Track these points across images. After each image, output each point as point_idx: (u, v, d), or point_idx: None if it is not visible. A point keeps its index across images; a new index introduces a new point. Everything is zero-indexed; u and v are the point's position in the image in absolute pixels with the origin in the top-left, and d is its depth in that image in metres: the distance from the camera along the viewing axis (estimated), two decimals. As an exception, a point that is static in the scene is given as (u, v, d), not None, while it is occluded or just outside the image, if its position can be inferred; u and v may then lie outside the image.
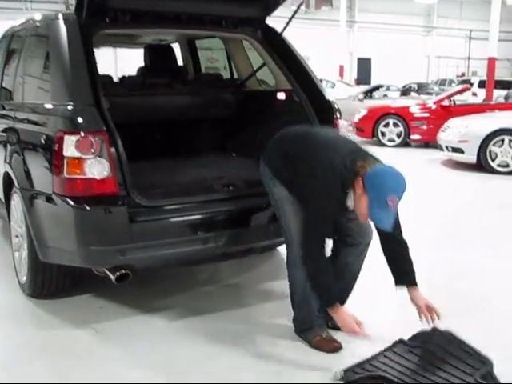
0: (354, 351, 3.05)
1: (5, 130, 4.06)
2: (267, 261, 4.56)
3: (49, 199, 3.20)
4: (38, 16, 3.99)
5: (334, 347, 3.10)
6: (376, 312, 3.57)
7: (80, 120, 3.05)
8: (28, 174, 3.50)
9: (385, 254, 3.07)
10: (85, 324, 3.45)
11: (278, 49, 4.09)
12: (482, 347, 2.85)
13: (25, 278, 3.76)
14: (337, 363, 2.89)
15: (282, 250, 4.52)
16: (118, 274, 3.09)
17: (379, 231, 2.97)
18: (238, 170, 3.89)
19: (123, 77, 4.35)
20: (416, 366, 2.84)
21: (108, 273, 3.15)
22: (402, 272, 3.05)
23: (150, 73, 4.69)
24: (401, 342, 3.02)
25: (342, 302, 3.14)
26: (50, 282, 3.68)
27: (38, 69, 3.65)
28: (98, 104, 3.13)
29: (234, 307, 3.69)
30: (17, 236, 3.90)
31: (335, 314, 2.91)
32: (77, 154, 3.00)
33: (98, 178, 3.02)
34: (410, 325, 3.06)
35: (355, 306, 3.24)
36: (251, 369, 2.95)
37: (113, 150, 3.07)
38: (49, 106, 3.35)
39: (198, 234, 3.25)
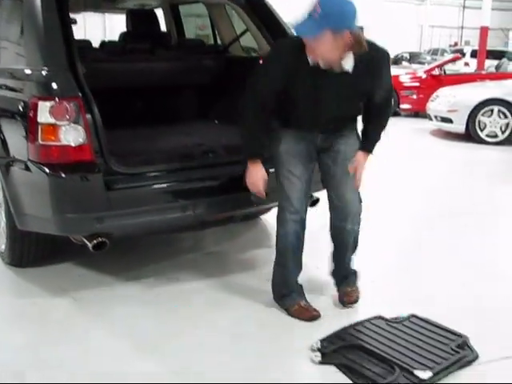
0: (332, 321, 3.06)
1: None
2: (251, 229, 4.55)
3: (25, 167, 3.14)
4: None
5: (312, 316, 3.09)
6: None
7: (54, 85, 2.97)
8: (4, 141, 3.43)
9: (362, 120, 3.12)
10: (63, 292, 3.43)
11: (261, 14, 4.01)
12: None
13: (3, 247, 3.73)
14: (316, 332, 2.89)
15: (267, 217, 4.56)
16: (94, 241, 3.06)
17: (369, 103, 3.00)
18: (219, 137, 3.84)
19: (103, 42, 4.25)
20: (394, 336, 2.86)
21: (85, 241, 3.12)
22: (364, 137, 3.11)
23: (131, 38, 4.60)
24: (380, 317, 3.04)
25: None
26: (28, 251, 3.65)
27: (14, 33, 3.55)
28: (73, 69, 3.05)
29: (215, 275, 3.67)
30: (-5, 204, 3.86)
31: (250, 165, 3.02)
32: (51, 121, 2.93)
33: (73, 144, 2.96)
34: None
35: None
36: (226, 334, 2.97)
37: (89, 116, 3.00)
38: (23, 71, 3.26)
39: (177, 201, 3.22)
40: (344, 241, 3.19)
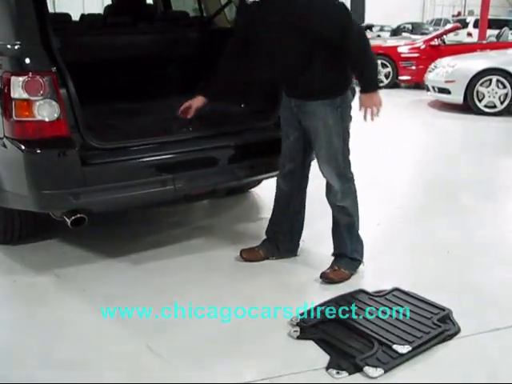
0: (314, 295, 3.03)
1: None
2: (241, 202, 4.52)
3: (1, 143, 3.09)
4: None
5: (251, 256, 3.40)
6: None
7: (26, 60, 2.90)
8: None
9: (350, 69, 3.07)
10: (47, 269, 3.39)
11: None
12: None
13: None
14: (296, 305, 2.86)
15: (258, 191, 4.52)
16: (72, 218, 3.02)
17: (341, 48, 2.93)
18: (200, 110, 3.78)
19: (82, 15, 4.16)
20: (375, 310, 2.82)
21: (64, 217, 3.08)
22: (358, 80, 3.06)
23: (116, 11, 4.51)
24: (362, 291, 3.01)
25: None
26: (12, 228, 3.61)
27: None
28: (46, 43, 2.98)
29: (201, 250, 3.64)
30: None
31: None
32: (25, 96, 2.87)
33: (47, 120, 2.89)
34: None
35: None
36: (211, 305, 2.93)
37: (63, 91, 2.94)
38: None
39: (156, 175, 3.17)
40: (335, 216, 3.26)
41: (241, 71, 3.30)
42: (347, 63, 3.01)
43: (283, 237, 3.43)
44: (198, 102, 3.31)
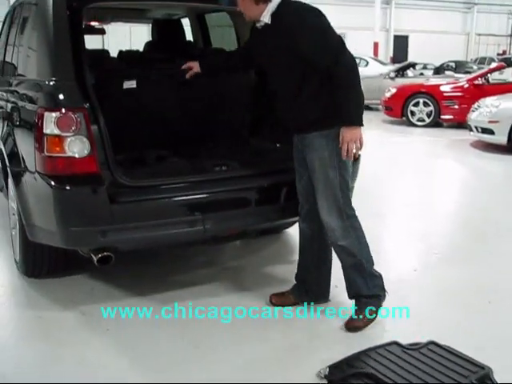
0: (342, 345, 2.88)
1: (1, 107, 3.99)
2: (273, 243, 4.41)
3: (33, 177, 3.10)
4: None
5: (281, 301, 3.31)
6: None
7: (60, 96, 2.94)
8: (16, 152, 3.41)
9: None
10: (73, 306, 3.37)
11: None
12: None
13: (18, 257, 3.70)
14: (324, 355, 2.73)
15: (291, 231, 4.42)
16: (99, 255, 2.97)
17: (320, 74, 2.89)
18: (234, 148, 3.73)
19: (121, 51, 4.19)
20: (409, 365, 2.66)
21: (91, 254, 3.04)
22: (338, 109, 2.90)
23: (155, 48, 4.52)
24: (395, 343, 2.85)
25: None
26: (41, 262, 3.60)
27: (28, 43, 3.53)
28: (81, 80, 2.99)
29: (227, 293, 3.54)
30: (13, 214, 3.83)
31: None
32: (56, 132, 2.88)
33: (77, 156, 2.89)
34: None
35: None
36: (239, 359, 2.82)
37: (95, 127, 2.94)
38: (34, 81, 3.24)
39: (184, 216, 3.10)
40: (337, 254, 3.16)
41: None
42: (332, 89, 2.90)
43: (312, 281, 3.31)
44: (191, 65, 3.47)
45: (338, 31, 3.54)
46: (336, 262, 3.23)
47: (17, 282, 3.70)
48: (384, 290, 3.16)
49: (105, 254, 2.96)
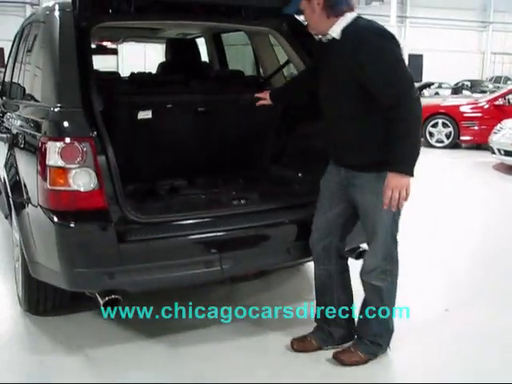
0: None
1: (5, 133, 3.78)
2: (291, 277, 4.10)
3: (35, 211, 2.86)
4: (43, 6, 3.65)
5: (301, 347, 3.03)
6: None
7: (65, 124, 2.68)
8: (18, 181, 3.19)
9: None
10: (77, 348, 3.11)
11: (305, 44, 3.64)
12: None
13: (21, 293, 3.45)
14: None
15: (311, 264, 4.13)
16: (106, 298, 2.71)
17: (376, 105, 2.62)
18: (253, 178, 3.47)
19: (132, 73, 3.95)
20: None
21: (97, 296, 2.77)
22: (389, 153, 2.60)
23: (169, 69, 4.30)
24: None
25: None
26: (45, 299, 3.35)
27: (35, 64, 3.32)
28: (88, 106, 2.76)
29: (243, 335, 3.25)
30: (17, 245, 3.59)
31: None
32: (60, 163, 2.63)
33: (83, 190, 2.64)
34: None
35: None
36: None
37: (102, 157, 2.69)
38: (38, 106, 3.02)
39: (200, 255, 2.83)
40: (365, 292, 2.94)
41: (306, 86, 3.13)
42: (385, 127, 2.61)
43: (335, 322, 3.03)
44: (265, 94, 3.30)
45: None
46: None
47: (19, 319, 3.45)
48: (388, 345, 3.00)
49: (112, 297, 2.70)
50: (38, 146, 2.75)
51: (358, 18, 2.67)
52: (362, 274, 2.88)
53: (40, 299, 3.34)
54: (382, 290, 2.83)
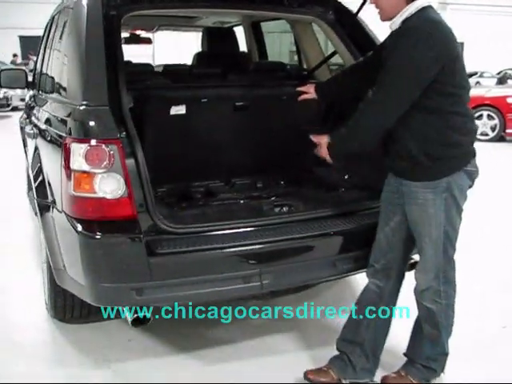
0: None
1: (32, 129, 3.59)
2: (333, 286, 3.81)
3: (60, 216, 2.63)
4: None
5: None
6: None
7: (90, 124, 2.42)
8: (43, 182, 2.97)
9: None
10: (104, 360, 2.93)
11: (353, 34, 3.34)
12: None
13: (48, 299, 3.27)
14: None
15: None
16: (135, 315, 2.47)
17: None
18: (297, 181, 3.19)
19: (166, 66, 3.68)
20: None
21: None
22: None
23: (205, 61, 4.03)
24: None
25: None
26: (72, 307, 3.15)
27: (62, 56, 3.07)
28: (117, 102, 2.50)
29: (286, 348, 3.00)
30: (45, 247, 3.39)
31: None
32: (85, 167, 2.38)
33: (110, 197, 2.39)
34: None
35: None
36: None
37: (131, 161, 2.43)
38: (64, 103, 2.77)
39: (237, 270, 2.55)
40: (418, 311, 2.65)
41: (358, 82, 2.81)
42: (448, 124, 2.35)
43: (361, 352, 2.69)
44: (309, 88, 3.03)
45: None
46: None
47: (45, 326, 3.28)
48: (443, 370, 2.71)
49: (140, 315, 2.45)
50: (63, 146, 2.51)
51: (423, 8, 2.33)
52: (415, 292, 2.58)
53: (66, 306, 3.15)
54: (435, 313, 2.53)
